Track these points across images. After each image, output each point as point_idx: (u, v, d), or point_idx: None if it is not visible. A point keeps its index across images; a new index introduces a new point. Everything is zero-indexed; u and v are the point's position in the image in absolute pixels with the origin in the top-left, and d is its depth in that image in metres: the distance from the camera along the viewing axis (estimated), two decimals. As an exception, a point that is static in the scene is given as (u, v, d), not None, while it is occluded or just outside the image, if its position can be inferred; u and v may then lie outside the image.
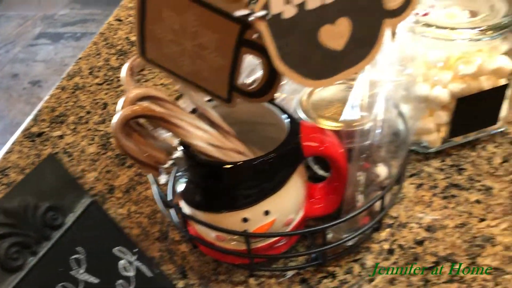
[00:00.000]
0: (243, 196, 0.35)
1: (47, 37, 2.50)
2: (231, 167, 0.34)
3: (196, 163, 0.35)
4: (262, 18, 0.25)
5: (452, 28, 0.40)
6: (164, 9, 0.27)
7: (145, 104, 0.34)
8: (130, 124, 0.34)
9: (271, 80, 0.28)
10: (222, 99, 0.30)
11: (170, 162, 0.36)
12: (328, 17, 0.26)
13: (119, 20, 0.75)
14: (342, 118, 0.38)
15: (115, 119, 0.33)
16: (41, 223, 0.30)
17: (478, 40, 0.41)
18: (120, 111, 0.33)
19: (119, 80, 0.63)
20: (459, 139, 0.47)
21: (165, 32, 0.28)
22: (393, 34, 0.31)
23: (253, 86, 0.29)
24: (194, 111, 0.38)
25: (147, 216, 0.45)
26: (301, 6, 0.25)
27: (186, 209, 0.38)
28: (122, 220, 0.45)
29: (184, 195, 0.37)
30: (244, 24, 0.25)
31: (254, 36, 0.26)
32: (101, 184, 0.49)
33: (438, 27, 0.40)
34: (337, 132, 0.39)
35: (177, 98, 0.48)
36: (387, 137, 0.38)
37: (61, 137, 0.56)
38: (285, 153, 0.34)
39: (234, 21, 0.25)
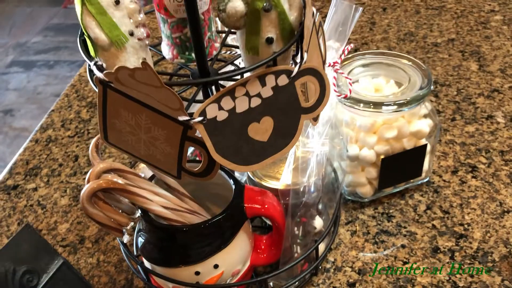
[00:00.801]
0: (195, 252, 0.40)
1: (20, 65, 2.51)
2: (183, 230, 0.40)
3: (153, 226, 0.41)
4: (200, 122, 0.31)
5: (377, 104, 0.47)
6: (121, 109, 0.33)
7: (109, 177, 0.39)
8: (96, 194, 0.39)
9: (211, 165, 0.34)
10: (173, 176, 0.36)
11: (131, 224, 0.42)
12: (254, 117, 0.33)
13: (90, 72, 0.80)
14: (280, 181, 0.44)
15: (83, 191, 0.38)
16: (19, 285, 0.35)
17: (400, 111, 0.48)
18: (87, 184, 0.39)
19: (89, 133, 0.68)
20: (389, 189, 0.54)
21: (123, 125, 0.34)
22: (315, 120, 0.37)
23: (197, 169, 0.35)
24: (152, 178, 0.44)
25: (114, 265, 0.51)
26: (231, 110, 0.32)
27: (146, 263, 0.43)
28: (91, 269, 0.50)
29: (144, 251, 0.43)
30: (186, 125, 0.32)
31: (195, 134, 0.32)
32: (73, 235, 0.54)
33: (365, 103, 0.47)
34: (276, 191, 0.45)
35: (133, 165, 0.54)
36: (320, 194, 0.45)
37: (35, 189, 0.61)
38: (230, 215, 0.40)
39: (178, 123, 0.32)
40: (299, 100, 0.34)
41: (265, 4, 0.34)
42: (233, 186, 0.42)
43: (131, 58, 0.37)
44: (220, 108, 0.32)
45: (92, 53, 0.37)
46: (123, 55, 0.37)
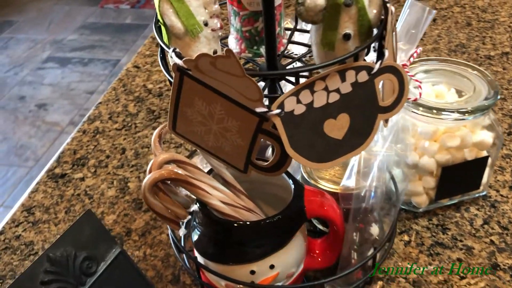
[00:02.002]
0: (252, 251, 0.39)
1: (55, 61, 2.56)
2: (244, 226, 0.39)
3: (211, 220, 0.40)
4: (277, 114, 0.30)
5: (439, 110, 0.46)
6: (196, 98, 0.33)
7: (170, 168, 0.39)
8: (157, 185, 0.39)
9: (282, 160, 0.33)
10: (239, 170, 0.35)
11: (189, 217, 0.41)
12: (331, 113, 0.32)
13: (137, 67, 0.81)
14: (342, 183, 0.43)
15: (145, 180, 0.38)
16: (79, 271, 0.34)
17: (463, 119, 0.46)
18: (149, 174, 0.38)
19: (136, 126, 0.68)
20: (445, 201, 0.52)
21: (195, 115, 0.34)
22: (386, 121, 0.36)
23: (267, 163, 0.34)
24: (210, 171, 0.43)
25: (161, 259, 0.50)
26: (309, 104, 0.31)
27: (199, 258, 0.43)
28: (138, 262, 0.50)
29: (199, 246, 0.42)
30: (262, 117, 0.31)
31: (270, 126, 0.31)
32: (119, 227, 0.54)
33: (426, 108, 0.46)
34: (335, 195, 0.44)
35: (192, 154, 0.53)
36: (380, 200, 0.44)
37: (82, 179, 0.61)
38: (290, 215, 0.39)
39: (254, 114, 0.31)
40: (377, 99, 0.33)
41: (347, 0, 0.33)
42: (292, 186, 0.41)
43: (203, 49, 0.37)
44: (298, 101, 0.31)
45: (165, 40, 0.36)
46: (196, 44, 0.37)
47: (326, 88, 0.31)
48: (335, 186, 0.46)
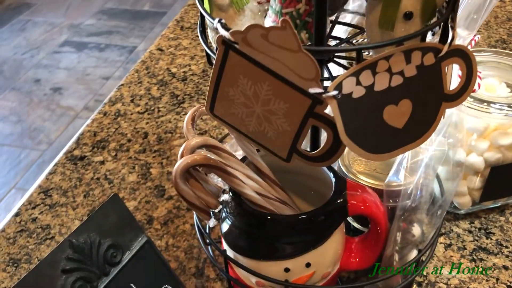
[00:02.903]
0: (288, 247, 0.36)
1: (72, 45, 2.54)
2: (279, 218, 0.36)
3: (245, 211, 0.37)
4: (334, 96, 0.27)
5: (490, 102, 0.42)
6: (241, 75, 0.29)
7: (204, 153, 0.36)
8: (188, 171, 0.36)
9: (334, 149, 0.30)
10: (281, 158, 0.32)
11: (220, 207, 0.38)
12: (393, 98, 0.28)
13: (161, 50, 0.78)
14: (387, 179, 0.40)
15: (177, 165, 0.35)
16: (102, 260, 0.31)
17: (517, 115, 0.43)
18: (180, 158, 0.35)
19: (159, 111, 0.65)
20: (489, 203, 0.49)
21: (237, 95, 0.30)
22: (443, 113, 0.33)
23: (315, 152, 0.31)
24: (243, 159, 0.40)
25: (184, 251, 0.47)
26: (370, 87, 0.28)
27: (228, 251, 0.40)
28: (160, 252, 0.47)
29: (228, 238, 0.39)
30: (315, 99, 0.28)
31: (324, 110, 0.28)
32: (140, 214, 0.51)
33: (476, 99, 0.42)
34: (378, 191, 0.40)
35: (223, 139, 0.50)
36: (427, 199, 0.40)
37: (102, 162, 0.58)
38: (331, 211, 0.36)
39: (306, 95, 0.28)
40: (443, 85, 0.29)
41: (412, -27, 0.30)
42: (333, 180, 0.38)
43: (247, 23, 0.34)
44: (358, 83, 0.27)
45: (206, 9, 0.33)
46: (240, 18, 0.33)
47: (389, 70, 0.28)
48: (376, 181, 0.42)
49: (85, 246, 0.31)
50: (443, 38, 0.31)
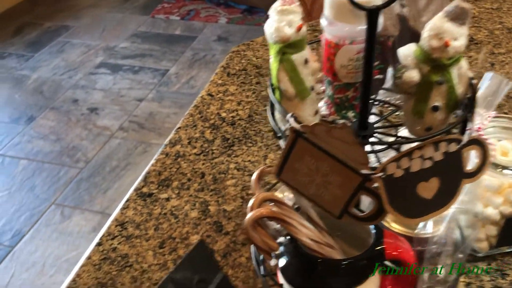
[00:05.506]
0: (334, 285, 0.45)
1: (107, 67, 2.68)
2: (329, 262, 0.45)
3: (300, 253, 0.46)
4: (380, 177, 0.36)
5: (504, 167, 0.50)
6: (306, 155, 0.39)
7: (269, 207, 0.45)
8: (256, 220, 0.45)
9: (379, 213, 0.39)
10: (333, 215, 0.41)
11: (281, 249, 0.47)
12: (424, 177, 0.37)
13: (211, 95, 0.88)
14: (417, 229, 0.48)
15: (248, 216, 0.44)
16: (194, 292, 0.41)
17: (527, 176, 0.51)
18: (250, 211, 0.44)
19: (213, 153, 0.75)
20: (504, 248, 0.56)
21: (302, 167, 0.40)
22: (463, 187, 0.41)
23: (363, 214, 0.40)
24: (297, 209, 0.49)
25: (242, 281, 0.56)
26: (407, 169, 0.37)
27: (285, 285, 0.48)
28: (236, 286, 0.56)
29: (285, 272, 0.48)
30: (365, 177, 0.37)
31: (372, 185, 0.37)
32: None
33: (493, 165, 0.51)
34: (407, 237, 0.49)
35: (274, 185, 0.59)
36: (449, 245, 0.49)
37: (167, 199, 0.68)
38: (371, 256, 0.45)
39: (358, 174, 0.37)
40: (463, 166, 0.38)
41: (439, 79, 0.39)
42: (374, 229, 0.47)
43: (308, 109, 0.43)
44: (398, 166, 0.36)
45: (277, 99, 0.43)
46: (303, 105, 0.43)
47: (421, 156, 0.37)
48: (406, 228, 0.51)
49: (184, 281, 0.40)
50: (463, 130, 0.40)
